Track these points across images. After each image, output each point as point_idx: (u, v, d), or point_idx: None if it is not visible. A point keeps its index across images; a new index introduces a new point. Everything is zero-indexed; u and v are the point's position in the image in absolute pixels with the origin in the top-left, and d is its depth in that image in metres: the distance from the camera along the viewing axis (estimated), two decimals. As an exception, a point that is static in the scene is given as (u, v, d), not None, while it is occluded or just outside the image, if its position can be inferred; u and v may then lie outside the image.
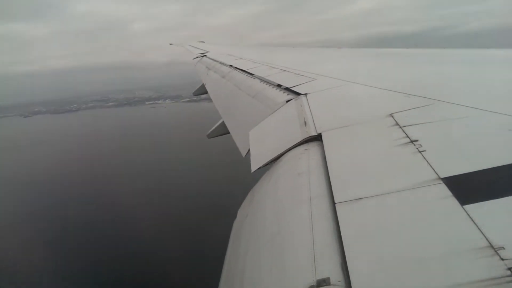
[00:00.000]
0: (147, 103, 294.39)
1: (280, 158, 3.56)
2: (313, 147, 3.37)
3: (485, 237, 1.63)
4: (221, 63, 12.74)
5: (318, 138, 3.51)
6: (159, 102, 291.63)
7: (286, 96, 5.57)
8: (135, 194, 71.45)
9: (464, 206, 1.87)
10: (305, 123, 3.98)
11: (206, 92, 12.25)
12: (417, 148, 2.61)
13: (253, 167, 3.80)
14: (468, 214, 1.80)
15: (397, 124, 3.15)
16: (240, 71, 9.66)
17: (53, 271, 48.15)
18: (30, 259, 49.37)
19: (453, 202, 1.93)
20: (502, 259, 1.48)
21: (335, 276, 1.69)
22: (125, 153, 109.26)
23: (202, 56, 16.51)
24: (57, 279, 47.03)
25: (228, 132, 6.79)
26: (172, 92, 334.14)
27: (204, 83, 12.40)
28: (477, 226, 1.71)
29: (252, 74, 8.50)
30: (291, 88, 5.82)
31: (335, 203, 2.26)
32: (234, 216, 3.33)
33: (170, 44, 28.26)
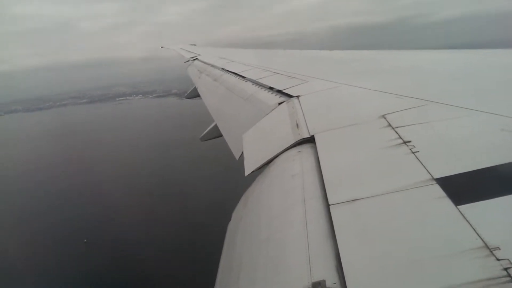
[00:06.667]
0: (117, 99, 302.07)
1: (274, 161, 3.55)
2: (306, 149, 3.36)
3: (480, 237, 1.62)
4: (213, 66, 12.71)
5: (311, 140, 3.50)
6: (130, 98, 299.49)
7: (278, 98, 5.56)
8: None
9: (459, 207, 1.86)
10: (297, 125, 3.97)
11: (198, 96, 12.21)
12: (410, 149, 2.61)
13: (247, 171, 3.79)
14: (462, 215, 1.80)
15: (389, 125, 3.15)
16: (232, 74, 9.65)
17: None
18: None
19: (447, 202, 1.93)
20: (498, 260, 1.48)
21: (331, 278, 1.68)
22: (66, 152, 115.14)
23: (194, 60, 16.46)
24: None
25: (221, 135, 6.76)
26: (147, 88, 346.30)
27: (196, 86, 12.36)
28: (472, 227, 1.70)
29: (244, 77, 8.49)
30: (283, 91, 5.81)
31: (329, 205, 2.25)
32: (228, 219, 3.31)
33: (162, 47, 28.16)
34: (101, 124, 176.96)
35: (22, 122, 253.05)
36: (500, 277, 1.40)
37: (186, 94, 15.02)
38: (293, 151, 3.46)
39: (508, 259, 1.46)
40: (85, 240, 55.25)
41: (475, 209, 1.83)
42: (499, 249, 1.53)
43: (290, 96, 5.38)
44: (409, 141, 2.73)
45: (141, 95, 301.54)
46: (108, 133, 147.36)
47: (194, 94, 13.46)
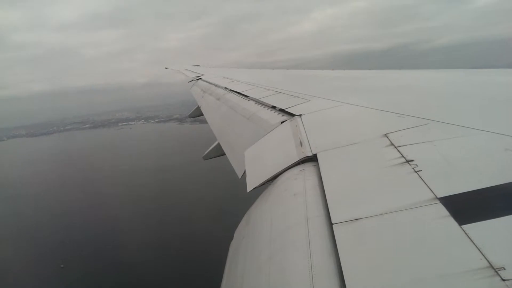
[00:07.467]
0: (120, 124, 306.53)
1: (276, 179, 3.54)
2: (308, 167, 3.36)
3: (485, 257, 1.61)
4: (216, 85, 12.83)
5: (313, 159, 3.51)
6: (133, 123, 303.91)
7: (280, 117, 5.59)
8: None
9: (463, 226, 1.85)
10: (301, 143, 3.98)
11: (201, 115, 12.28)
12: (413, 168, 2.60)
13: (249, 187, 3.78)
14: (466, 234, 1.78)
15: (392, 144, 3.16)
16: (235, 93, 9.72)
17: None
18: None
19: (451, 222, 1.92)
20: (503, 280, 1.46)
21: None
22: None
23: (198, 79, 16.63)
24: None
25: (224, 154, 6.78)
26: (150, 113, 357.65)
27: (200, 106, 12.45)
28: (476, 247, 1.69)
29: (247, 96, 8.55)
30: (285, 110, 5.85)
31: (332, 224, 2.24)
32: (231, 237, 3.28)
33: (166, 68, 28.48)
34: (101, 149, 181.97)
35: (24, 147, 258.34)
36: None
37: (189, 113, 15.13)
38: (296, 169, 3.46)
39: None
40: (62, 266, 54.83)
41: (479, 229, 1.81)
42: (504, 269, 1.51)
43: (292, 115, 5.41)
44: (412, 160, 2.73)
45: (143, 120, 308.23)
46: (108, 156, 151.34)
47: (197, 113, 13.56)
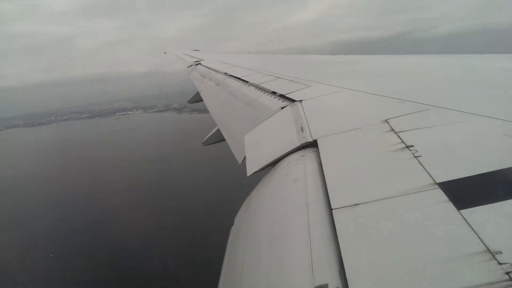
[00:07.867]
0: (117, 114, 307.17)
1: (277, 164, 3.56)
2: (309, 153, 3.37)
3: (482, 241, 1.63)
4: (215, 70, 12.73)
5: (313, 144, 3.51)
6: (131, 112, 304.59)
7: (281, 103, 5.57)
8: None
9: (461, 211, 1.87)
10: (301, 128, 3.98)
11: (201, 100, 12.22)
12: (412, 154, 2.61)
13: (249, 171, 3.80)
14: (464, 219, 1.80)
15: (392, 129, 3.16)
16: (235, 78, 9.66)
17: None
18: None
19: (450, 207, 1.93)
20: (500, 264, 1.48)
21: (334, 282, 1.68)
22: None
23: (197, 64, 16.49)
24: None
25: (224, 139, 6.78)
26: (148, 103, 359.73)
27: (199, 91, 12.38)
28: (474, 231, 1.71)
29: (247, 82, 8.50)
30: (285, 95, 5.82)
31: (332, 209, 2.25)
32: (231, 223, 3.31)
33: (164, 52, 28.13)
34: (99, 138, 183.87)
35: (22, 137, 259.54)
36: (502, 281, 1.40)
37: (189, 99, 15.05)
38: (296, 155, 3.47)
39: (509, 263, 1.47)
40: (51, 255, 55.27)
41: (477, 214, 1.83)
42: (501, 253, 1.54)
43: (293, 100, 5.39)
44: (412, 146, 2.74)
45: (141, 110, 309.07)
46: (105, 146, 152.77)
47: (197, 99, 13.49)
